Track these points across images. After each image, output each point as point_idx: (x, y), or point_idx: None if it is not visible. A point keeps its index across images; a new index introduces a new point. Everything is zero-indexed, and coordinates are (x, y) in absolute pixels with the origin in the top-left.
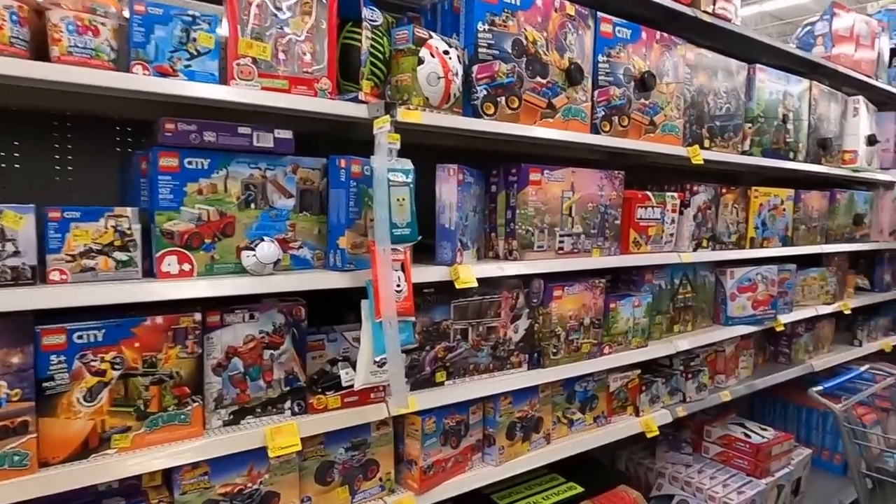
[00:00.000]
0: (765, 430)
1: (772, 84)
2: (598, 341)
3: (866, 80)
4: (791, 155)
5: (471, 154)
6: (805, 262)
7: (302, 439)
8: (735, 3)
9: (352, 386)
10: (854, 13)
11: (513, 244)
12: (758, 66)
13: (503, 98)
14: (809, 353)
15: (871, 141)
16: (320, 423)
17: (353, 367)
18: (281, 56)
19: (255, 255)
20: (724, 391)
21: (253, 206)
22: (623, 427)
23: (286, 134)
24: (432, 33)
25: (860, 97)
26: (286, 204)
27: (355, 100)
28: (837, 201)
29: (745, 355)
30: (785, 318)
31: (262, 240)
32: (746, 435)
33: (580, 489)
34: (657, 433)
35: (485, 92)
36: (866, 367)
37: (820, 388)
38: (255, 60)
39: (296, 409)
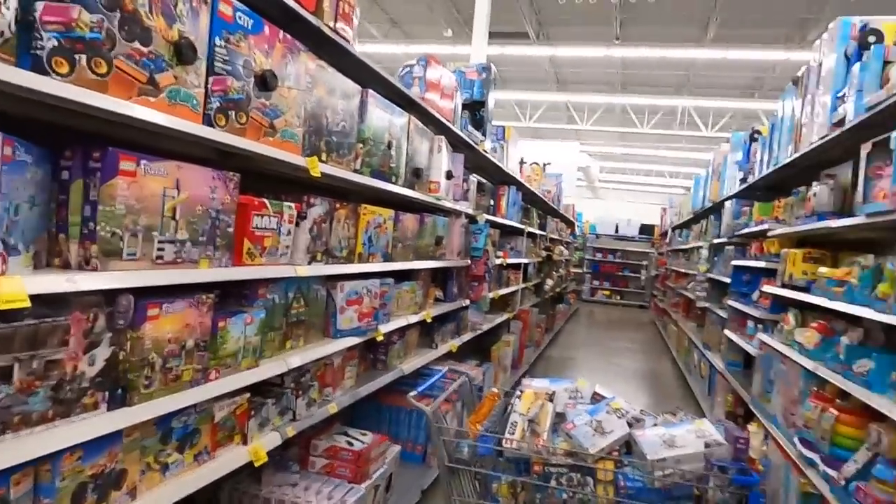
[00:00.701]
0: (364, 434)
1: (380, 112)
2: (204, 366)
3: (448, 124)
4: (393, 179)
5: (31, 125)
6: (399, 276)
7: None
8: (354, 26)
9: None
10: (441, 67)
11: (92, 250)
12: (370, 91)
13: (84, 57)
14: (401, 358)
15: (449, 176)
16: None
17: None
18: None
19: None
20: (331, 404)
21: None
22: (229, 459)
23: None
24: None
25: (443, 137)
26: None
27: None
28: (425, 224)
29: (350, 365)
30: (384, 329)
31: None
32: (349, 443)
33: None
34: (266, 459)
35: (55, 43)
36: (446, 368)
37: (415, 392)
38: None
39: None
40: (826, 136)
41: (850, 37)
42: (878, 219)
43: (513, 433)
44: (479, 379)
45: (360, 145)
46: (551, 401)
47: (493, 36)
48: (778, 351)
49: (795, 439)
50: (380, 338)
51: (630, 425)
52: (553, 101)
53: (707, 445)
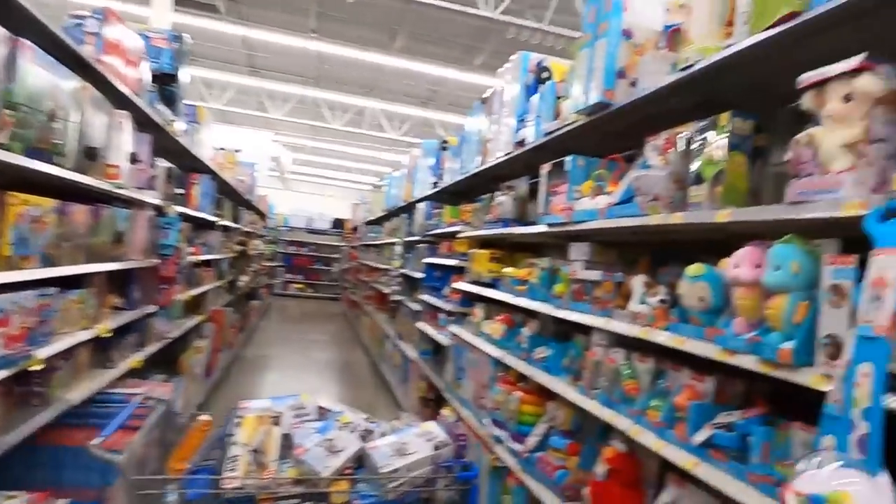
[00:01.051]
0: (12, 497)
1: (40, 70)
2: None
3: (133, 97)
4: (58, 159)
5: None
6: (66, 283)
7: None
8: None
9: None
10: (124, 27)
11: None
12: (25, 42)
13: None
14: (67, 386)
15: (133, 159)
16: None
17: None
18: None
19: None
20: None
21: None
22: None
23: None
24: None
25: (127, 113)
26: None
27: None
28: (102, 217)
29: None
30: (43, 353)
31: None
32: None
33: None
34: None
35: None
36: (140, 397)
37: (100, 438)
38: None
39: None
40: (511, 153)
41: (528, 70)
42: (556, 229)
43: (234, 468)
44: (171, 397)
45: (9, 112)
46: (277, 424)
47: (177, 3)
48: (468, 342)
49: (486, 420)
50: (38, 366)
51: (363, 438)
52: (244, 86)
53: (436, 448)
